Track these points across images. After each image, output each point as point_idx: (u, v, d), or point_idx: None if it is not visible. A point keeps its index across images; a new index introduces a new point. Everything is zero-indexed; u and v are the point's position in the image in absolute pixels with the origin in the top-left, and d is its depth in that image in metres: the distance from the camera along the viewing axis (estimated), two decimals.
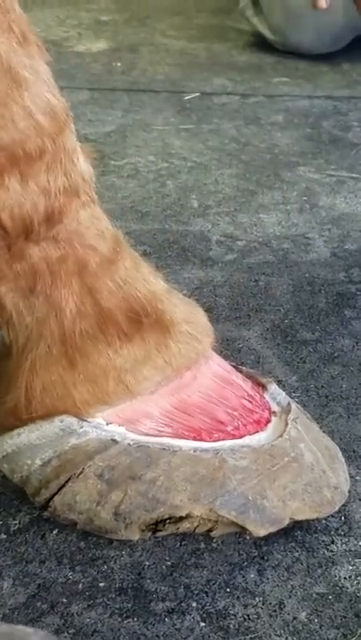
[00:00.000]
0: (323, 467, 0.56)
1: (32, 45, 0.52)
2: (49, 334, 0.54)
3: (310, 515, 0.54)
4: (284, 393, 0.61)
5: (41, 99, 0.51)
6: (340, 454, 0.59)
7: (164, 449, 0.54)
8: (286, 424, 0.57)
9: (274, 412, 0.59)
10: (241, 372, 0.61)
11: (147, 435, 0.55)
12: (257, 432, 0.57)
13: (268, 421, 0.58)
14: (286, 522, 0.54)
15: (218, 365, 0.59)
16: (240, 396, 0.58)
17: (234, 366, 0.62)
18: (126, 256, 0.57)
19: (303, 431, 0.57)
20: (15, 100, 0.50)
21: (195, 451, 0.54)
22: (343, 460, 0.59)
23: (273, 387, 0.61)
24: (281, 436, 0.56)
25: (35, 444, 0.54)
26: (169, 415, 0.55)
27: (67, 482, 0.53)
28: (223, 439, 0.55)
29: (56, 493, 0.54)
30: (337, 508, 0.56)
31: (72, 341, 0.54)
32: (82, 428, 0.54)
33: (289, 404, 0.59)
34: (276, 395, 0.60)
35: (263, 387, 0.61)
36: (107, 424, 0.55)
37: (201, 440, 0.55)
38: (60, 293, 0.54)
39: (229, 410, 0.57)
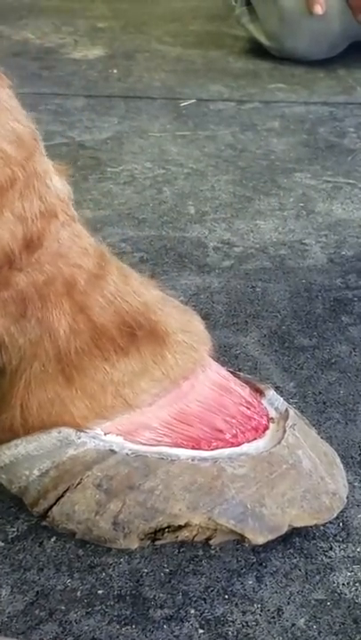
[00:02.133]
0: (321, 473, 0.56)
1: None
2: (44, 354, 0.54)
3: (309, 521, 0.54)
4: (281, 399, 0.61)
5: (5, 128, 0.51)
6: (338, 460, 0.59)
7: (163, 458, 0.54)
8: (284, 431, 0.57)
9: (272, 419, 0.59)
10: (239, 377, 0.62)
11: (145, 444, 0.55)
12: (255, 439, 0.57)
13: (267, 428, 0.58)
14: (285, 529, 0.54)
15: (216, 373, 0.59)
16: (238, 404, 0.58)
17: (232, 372, 0.62)
18: (113, 270, 0.56)
19: (301, 438, 0.57)
20: None
21: (193, 460, 0.54)
22: (342, 466, 0.59)
23: (271, 392, 0.61)
24: (279, 443, 0.56)
25: (32, 454, 0.54)
26: (168, 426, 0.55)
27: (65, 492, 0.53)
28: (222, 447, 0.55)
29: (54, 504, 0.53)
30: (335, 515, 0.56)
31: (68, 359, 0.54)
32: (80, 438, 0.54)
33: (287, 410, 0.59)
34: (273, 400, 0.60)
35: (261, 393, 0.61)
36: (105, 434, 0.55)
37: (200, 449, 0.55)
38: (51, 315, 0.54)
39: (228, 418, 0.57)
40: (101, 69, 1.50)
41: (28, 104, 0.54)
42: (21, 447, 0.54)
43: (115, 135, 1.21)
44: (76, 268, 0.54)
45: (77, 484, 0.53)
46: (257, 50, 1.59)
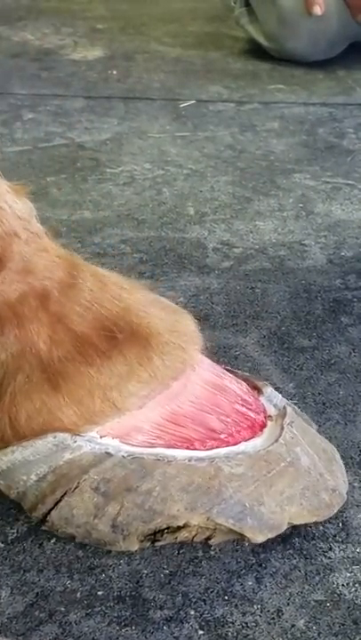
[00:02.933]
0: (320, 470, 0.56)
1: None
2: (27, 365, 0.54)
3: (309, 519, 0.54)
4: (280, 396, 0.61)
5: None
6: (337, 456, 0.59)
7: (159, 459, 0.54)
8: (282, 428, 0.57)
9: (270, 416, 0.59)
10: (236, 375, 0.61)
11: (140, 447, 0.55)
12: (252, 438, 0.57)
13: (264, 426, 0.58)
14: (285, 527, 0.54)
15: (209, 372, 0.59)
16: (233, 402, 0.58)
17: (228, 370, 0.62)
18: (88, 277, 0.57)
19: (299, 435, 0.57)
20: None
21: (190, 460, 0.54)
22: (341, 462, 0.59)
23: (269, 390, 0.61)
24: (277, 440, 0.56)
25: (29, 459, 0.54)
26: (160, 427, 0.55)
27: (63, 496, 0.53)
28: (217, 447, 0.55)
29: (53, 508, 0.53)
30: (335, 511, 0.56)
31: (52, 368, 0.54)
32: (75, 442, 0.54)
33: (285, 407, 0.59)
34: (272, 398, 0.60)
35: (259, 390, 0.61)
36: (100, 437, 0.55)
37: (195, 449, 0.55)
38: (29, 330, 0.54)
39: (222, 417, 0.57)
40: (101, 70, 1.51)
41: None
42: (18, 453, 0.54)
43: (114, 136, 1.21)
44: (47, 281, 0.55)
45: (75, 488, 0.53)
46: (256, 51, 1.59)
